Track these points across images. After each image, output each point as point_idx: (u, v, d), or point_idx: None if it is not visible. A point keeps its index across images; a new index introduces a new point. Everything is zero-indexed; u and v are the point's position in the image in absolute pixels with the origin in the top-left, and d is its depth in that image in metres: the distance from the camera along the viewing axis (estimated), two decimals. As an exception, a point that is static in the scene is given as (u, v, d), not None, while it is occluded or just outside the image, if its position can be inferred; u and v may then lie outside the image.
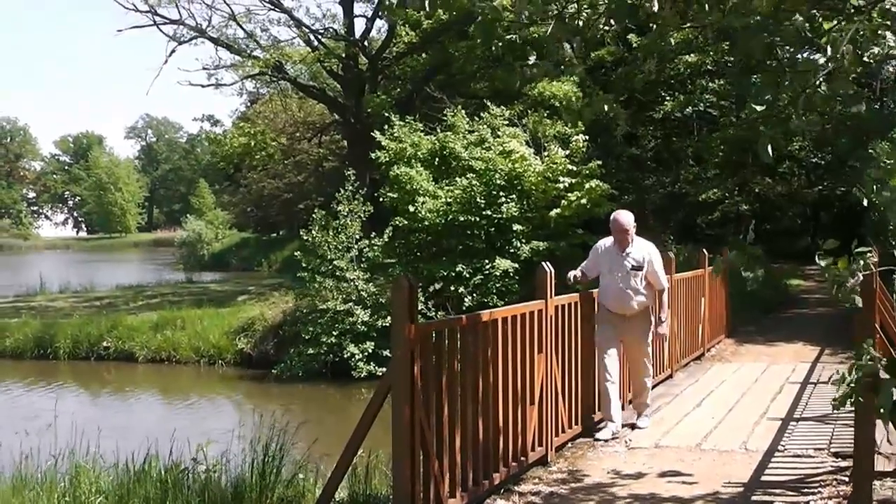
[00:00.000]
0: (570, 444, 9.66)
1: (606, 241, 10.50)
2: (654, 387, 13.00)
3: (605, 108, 7.23)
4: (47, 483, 8.80)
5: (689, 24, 8.20)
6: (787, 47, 6.07)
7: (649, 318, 10.58)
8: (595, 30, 6.94)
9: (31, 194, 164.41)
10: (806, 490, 7.90)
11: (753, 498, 7.80)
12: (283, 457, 8.96)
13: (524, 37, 6.71)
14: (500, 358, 8.03)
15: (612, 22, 6.68)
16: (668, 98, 34.87)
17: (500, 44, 6.47)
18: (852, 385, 5.16)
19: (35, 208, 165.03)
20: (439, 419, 7.01)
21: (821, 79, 5.62)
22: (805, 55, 5.92)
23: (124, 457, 9.34)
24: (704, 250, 17.41)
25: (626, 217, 10.32)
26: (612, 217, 10.43)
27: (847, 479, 8.00)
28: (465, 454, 7.39)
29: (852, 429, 7.29)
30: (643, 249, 10.35)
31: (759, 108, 5.50)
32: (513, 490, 8.16)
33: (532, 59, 6.76)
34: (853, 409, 6.08)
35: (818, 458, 8.93)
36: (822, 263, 5.01)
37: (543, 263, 9.26)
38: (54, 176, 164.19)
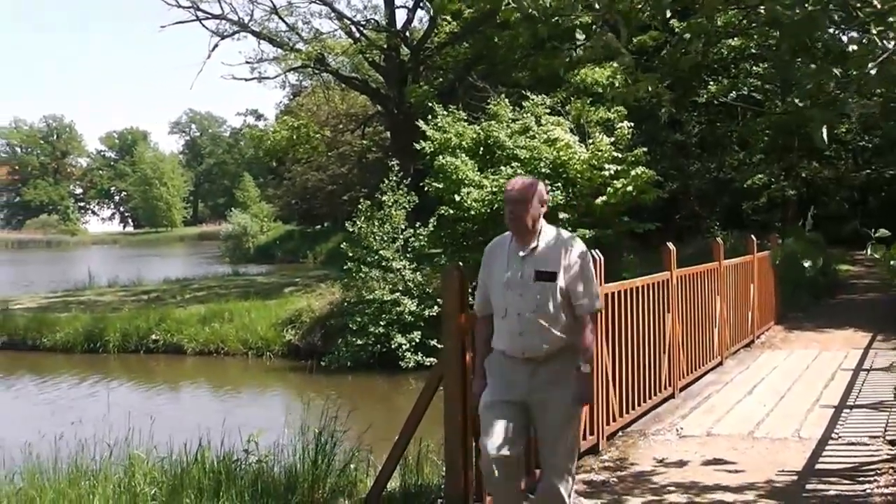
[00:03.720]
0: (620, 433, 9.61)
1: (501, 237, 6.47)
2: (703, 374, 12.94)
3: (650, 87, 7.22)
4: (102, 473, 8.86)
5: (733, 7, 8.13)
6: (833, 30, 6.01)
7: (575, 368, 6.07)
8: (637, 13, 6.91)
9: (78, 190, 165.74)
10: (861, 478, 7.82)
11: (808, 486, 7.74)
12: (335, 446, 8.97)
13: (568, 24, 6.70)
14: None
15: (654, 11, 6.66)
16: (711, 82, 34.65)
17: (545, 24, 6.46)
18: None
19: (82, 204, 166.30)
20: (491, 408, 6.99)
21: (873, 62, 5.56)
22: (851, 36, 5.86)
23: (177, 447, 9.40)
24: (752, 236, 17.31)
25: (524, 184, 6.21)
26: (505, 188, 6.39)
27: (904, 466, 7.93)
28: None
29: (909, 415, 7.23)
30: (561, 245, 6.15)
31: (806, 91, 5.46)
32: (565, 479, 8.13)
33: (579, 40, 6.75)
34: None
35: (873, 446, 8.83)
36: (877, 255, 4.95)
37: (593, 251, 9.15)
38: (100, 172, 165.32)
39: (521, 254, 6.13)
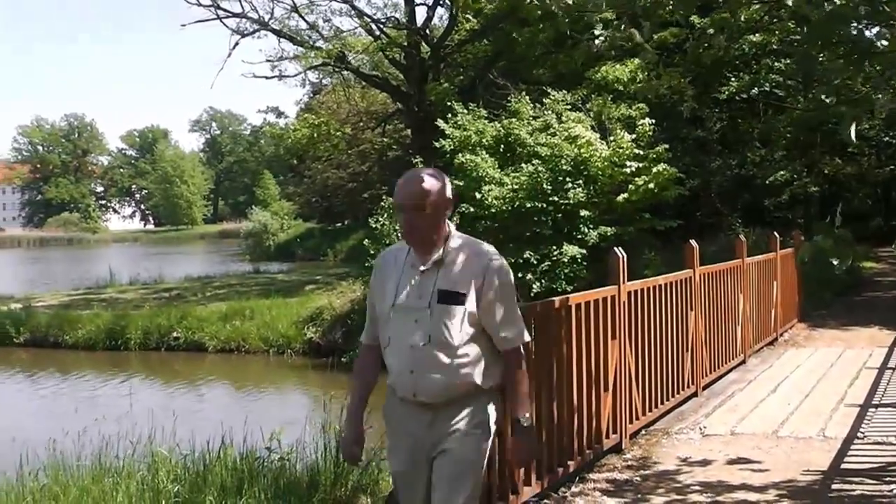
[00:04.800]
0: (643, 432, 9.57)
1: (397, 247, 5.09)
2: (726, 373, 12.88)
3: (672, 83, 7.20)
4: (125, 470, 8.88)
5: (757, 1, 8.09)
6: (857, 24, 5.97)
7: (485, 421, 4.88)
8: (659, 7, 6.87)
9: (99, 188, 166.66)
10: (888, 478, 7.76)
11: (833, 486, 7.68)
12: (357, 444, 8.96)
13: (590, 19, 6.68)
14: (574, 344, 7.96)
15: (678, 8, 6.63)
16: (732, 79, 34.51)
17: (567, 19, 6.43)
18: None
19: (103, 202, 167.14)
20: (514, 406, 6.97)
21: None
22: (877, 31, 5.82)
23: (199, 445, 9.42)
24: (775, 233, 17.24)
25: (420, 181, 4.75)
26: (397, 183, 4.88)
27: (930, 465, 7.88)
28: (540, 441, 7.34)
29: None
30: (473, 258, 4.81)
31: (833, 87, 5.43)
32: (587, 478, 8.10)
33: (598, 30, 6.73)
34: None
35: (900, 446, 8.79)
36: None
37: (616, 249, 9.10)
38: (121, 170, 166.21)
39: (422, 268, 4.77)
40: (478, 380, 4.76)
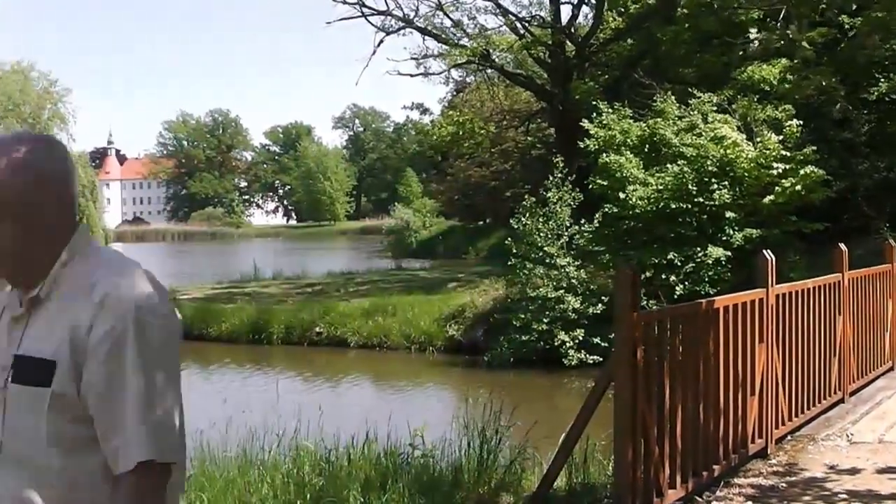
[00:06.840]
0: (789, 437, 9.44)
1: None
2: (874, 379, 12.61)
3: (823, 83, 7.11)
4: (271, 462, 9.08)
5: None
6: None
7: None
8: (815, 6, 6.81)
9: (243, 183, 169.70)
10: None
11: None
12: (500, 442, 9.02)
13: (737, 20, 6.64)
14: (721, 347, 7.90)
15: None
16: (881, 79, 33.66)
17: (724, 10, 6.41)
18: None
19: (246, 197, 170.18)
20: (661, 408, 6.96)
21: None
22: None
23: (343, 439, 9.57)
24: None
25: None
26: None
27: None
28: (686, 444, 7.31)
29: None
30: (78, 294, 2.43)
31: None
32: (731, 483, 8.02)
33: (754, 33, 6.69)
34: None
35: None
36: None
37: (764, 251, 8.99)
38: (264, 165, 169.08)
39: (17, 313, 2.56)
40: None
